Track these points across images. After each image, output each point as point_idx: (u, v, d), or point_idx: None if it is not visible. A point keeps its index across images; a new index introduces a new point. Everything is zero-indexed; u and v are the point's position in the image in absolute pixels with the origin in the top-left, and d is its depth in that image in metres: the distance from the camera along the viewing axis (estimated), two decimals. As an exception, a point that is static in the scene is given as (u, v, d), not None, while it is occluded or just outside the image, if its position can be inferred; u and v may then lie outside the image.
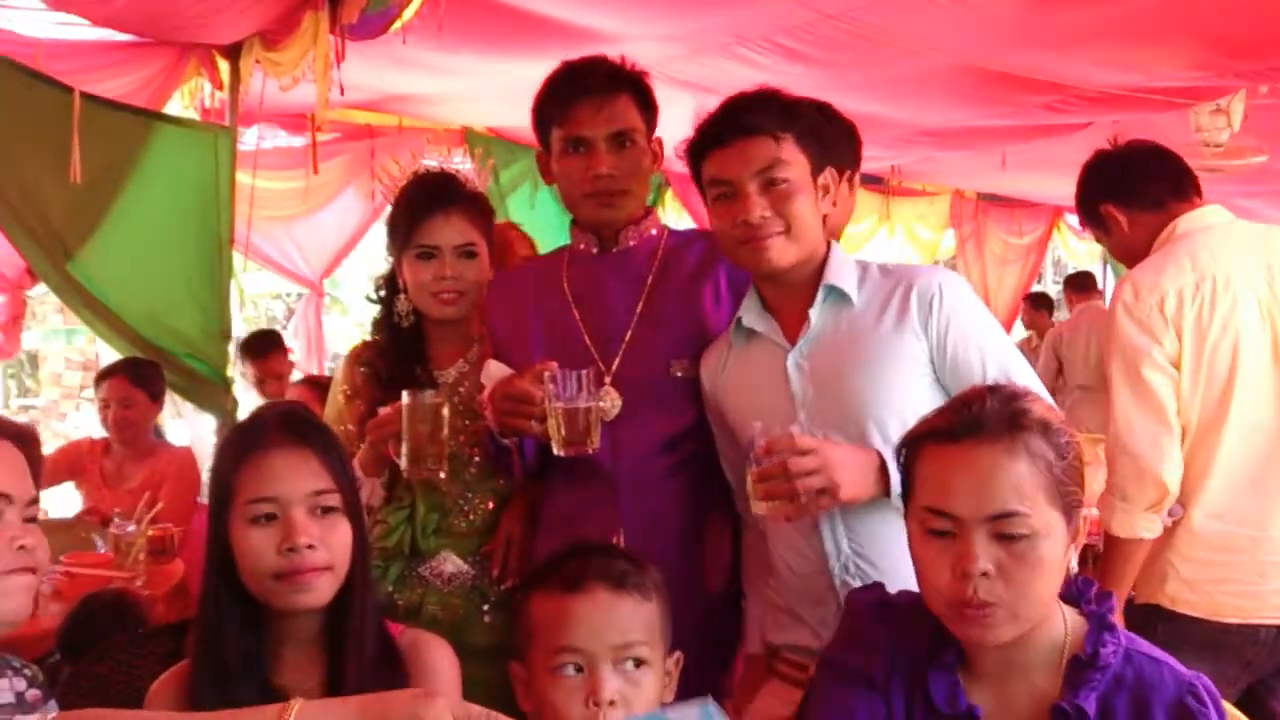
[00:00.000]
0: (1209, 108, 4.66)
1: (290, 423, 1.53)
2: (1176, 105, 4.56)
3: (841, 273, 1.82)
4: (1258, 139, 4.83)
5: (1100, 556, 2.80)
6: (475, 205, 2.16)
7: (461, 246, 2.11)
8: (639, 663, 1.43)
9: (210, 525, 1.52)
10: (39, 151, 3.73)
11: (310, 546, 1.46)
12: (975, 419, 1.36)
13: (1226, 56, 3.92)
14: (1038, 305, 7.97)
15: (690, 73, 3.71)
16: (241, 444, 1.51)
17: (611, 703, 1.39)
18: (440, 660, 1.58)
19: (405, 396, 1.91)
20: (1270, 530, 2.32)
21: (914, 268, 1.94)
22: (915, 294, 1.78)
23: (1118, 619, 2.31)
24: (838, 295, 1.81)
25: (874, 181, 6.80)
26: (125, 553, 3.19)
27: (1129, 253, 2.57)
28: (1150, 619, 2.35)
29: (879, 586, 1.56)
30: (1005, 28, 3.54)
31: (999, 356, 1.78)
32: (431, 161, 2.26)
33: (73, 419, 8.89)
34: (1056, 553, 1.34)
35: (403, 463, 1.93)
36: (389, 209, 2.26)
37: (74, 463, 3.98)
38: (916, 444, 1.42)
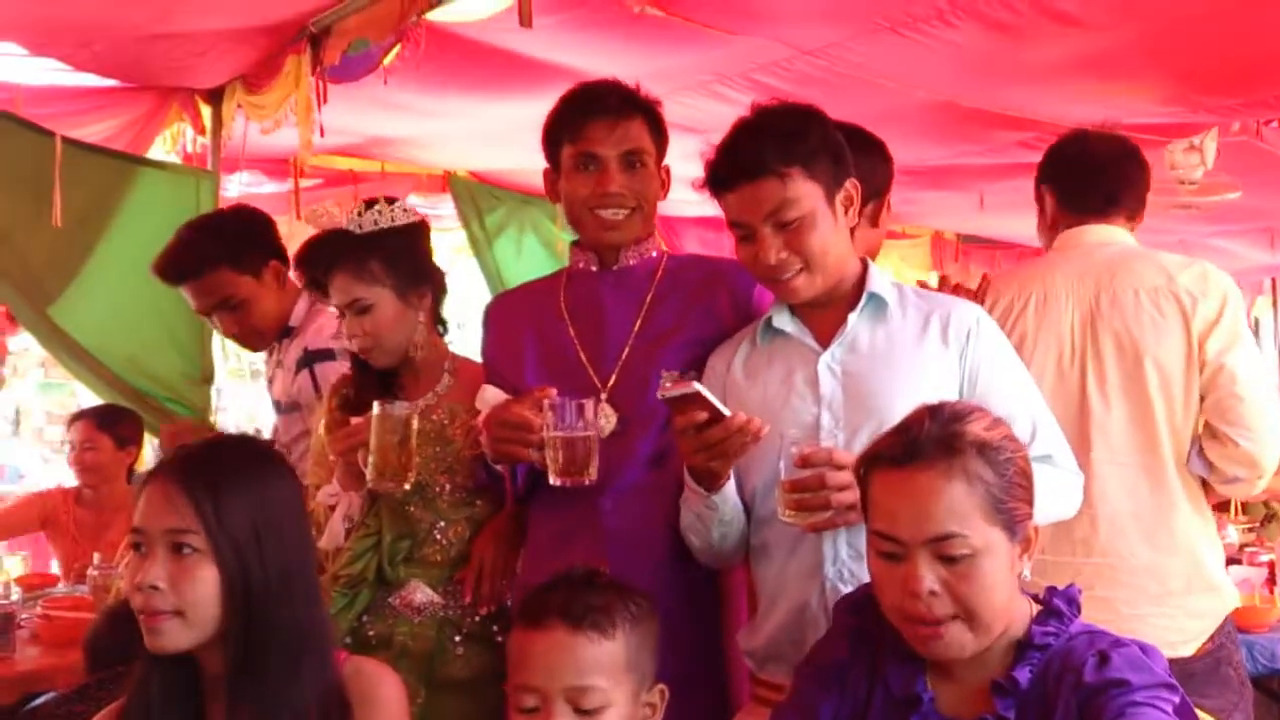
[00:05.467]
0: (1182, 145, 4.72)
1: (179, 455, 1.49)
2: (1151, 143, 4.61)
3: (883, 285, 1.85)
4: (1231, 176, 4.89)
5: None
6: (359, 257, 2.12)
7: (350, 305, 2.12)
8: (594, 706, 1.43)
9: None
10: (20, 196, 3.74)
11: (154, 587, 1.40)
12: (913, 444, 1.42)
13: (1197, 92, 3.98)
14: None
15: (671, 112, 3.74)
16: (145, 474, 1.50)
17: None
18: (385, 689, 1.52)
19: (375, 407, 1.92)
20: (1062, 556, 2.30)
21: (950, 296, 2.01)
22: (954, 322, 1.82)
23: None
24: (877, 305, 1.83)
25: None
26: (105, 593, 3.16)
27: (1045, 240, 2.62)
28: None
29: (867, 585, 1.57)
30: (981, 64, 3.59)
31: (1028, 404, 1.81)
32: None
33: (54, 473, 8.81)
34: (1001, 567, 1.41)
35: (369, 474, 1.93)
36: None
37: (44, 512, 3.97)
38: (867, 468, 1.48)
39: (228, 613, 1.42)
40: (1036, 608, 1.48)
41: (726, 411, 1.65)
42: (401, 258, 2.16)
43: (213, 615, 1.42)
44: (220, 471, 1.46)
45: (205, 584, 1.41)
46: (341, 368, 2.49)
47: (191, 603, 1.41)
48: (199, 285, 2.87)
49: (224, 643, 1.42)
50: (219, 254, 2.84)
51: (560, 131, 2.05)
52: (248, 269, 2.87)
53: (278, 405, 2.93)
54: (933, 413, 1.46)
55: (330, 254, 2.13)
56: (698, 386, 1.63)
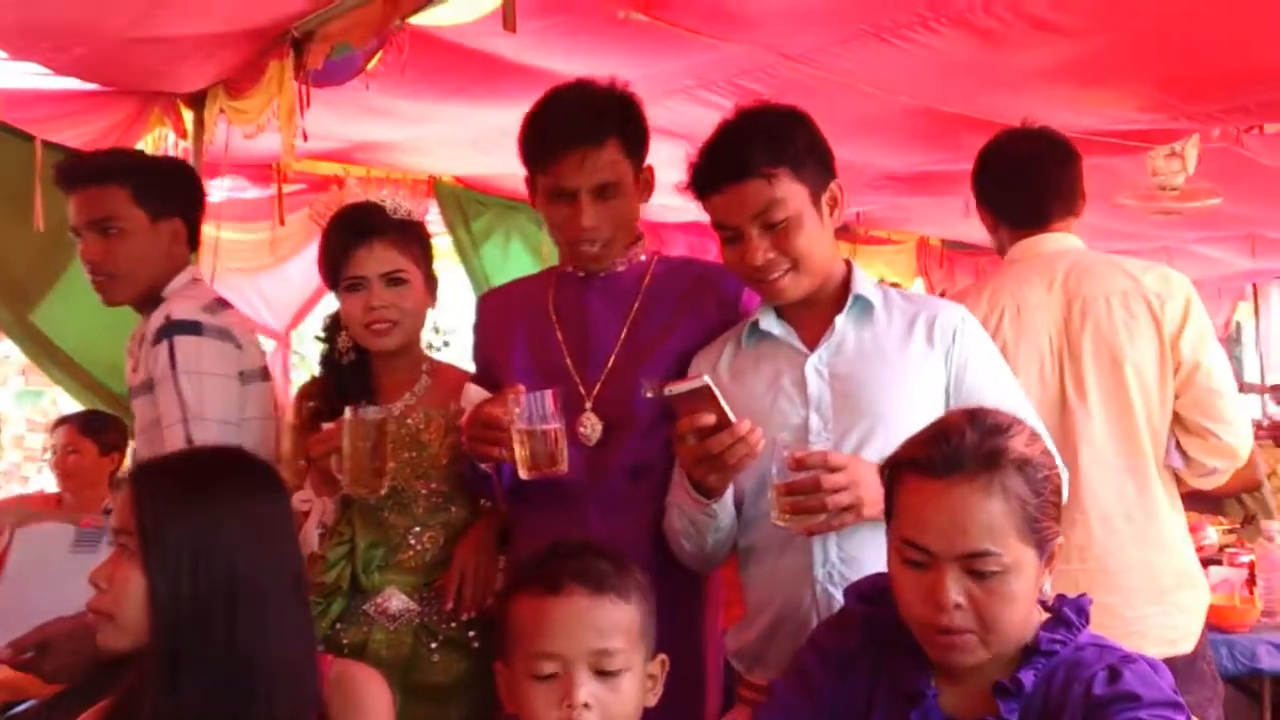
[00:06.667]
0: (1164, 151, 4.75)
1: (154, 459, 1.53)
2: (1133, 149, 4.64)
3: (868, 287, 1.85)
4: (1212, 182, 4.93)
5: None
6: (402, 232, 2.14)
7: (388, 274, 2.10)
8: (616, 668, 1.41)
9: None
10: (1, 201, 3.71)
11: (96, 585, 1.42)
12: (953, 455, 1.39)
13: (1178, 99, 3.99)
14: None
15: (655, 117, 3.74)
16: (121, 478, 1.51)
17: (586, 705, 1.38)
18: (372, 693, 1.51)
19: (347, 412, 1.91)
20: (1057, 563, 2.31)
21: (934, 298, 2.02)
22: (939, 323, 1.82)
23: None
24: (863, 307, 1.84)
25: (840, 230, 6.85)
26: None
27: (996, 243, 2.65)
28: None
29: (880, 576, 1.57)
30: (964, 70, 3.60)
31: (1013, 403, 1.81)
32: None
33: (35, 481, 8.76)
34: (1027, 584, 1.40)
35: (343, 480, 1.91)
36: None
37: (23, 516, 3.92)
38: (897, 471, 1.45)
39: (151, 625, 1.38)
40: (1045, 615, 1.48)
41: (732, 415, 1.63)
42: (429, 250, 2.22)
43: (140, 622, 1.39)
44: (171, 478, 1.43)
45: (132, 587, 1.39)
46: (205, 345, 2.22)
47: (120, 604, 1.40)
48: (87, 195, 2.44)
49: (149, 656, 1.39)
50: (124, 174, 2.47)
51: (532, 160, 2.02)
52: (146, 206, 2.45)
53: (136, 390, 2.44)
54: (972, 421, 1.43)
55: (374, 221, 2.13)
56: (708, 380, 1.61)
